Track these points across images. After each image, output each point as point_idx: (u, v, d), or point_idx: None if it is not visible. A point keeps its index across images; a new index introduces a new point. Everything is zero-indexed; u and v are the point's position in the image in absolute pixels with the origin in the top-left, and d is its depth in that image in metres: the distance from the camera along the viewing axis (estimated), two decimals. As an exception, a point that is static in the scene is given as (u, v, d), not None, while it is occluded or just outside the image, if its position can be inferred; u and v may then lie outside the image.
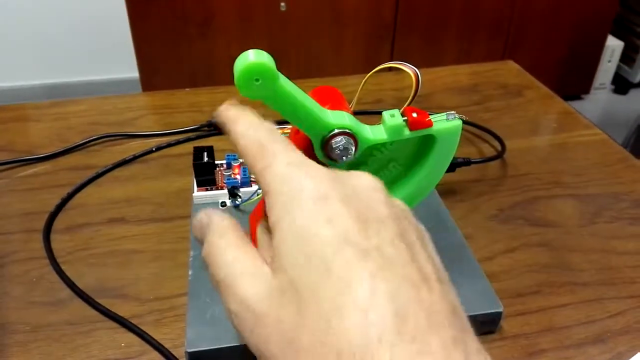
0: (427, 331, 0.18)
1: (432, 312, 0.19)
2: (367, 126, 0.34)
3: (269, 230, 0.23)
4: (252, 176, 0.22)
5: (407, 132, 0.34)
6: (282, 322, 0.20)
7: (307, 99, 0.31)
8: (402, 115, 0.34)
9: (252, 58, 0.28)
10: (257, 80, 0.28)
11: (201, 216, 0.26)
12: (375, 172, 0.36)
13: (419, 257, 0.21)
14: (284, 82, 0.29)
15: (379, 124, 0.35)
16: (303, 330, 0.19)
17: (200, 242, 0.26)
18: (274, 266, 0.21)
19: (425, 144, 0.35)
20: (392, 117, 0.34)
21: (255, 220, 0.41)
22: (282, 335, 0.19)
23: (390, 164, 0.36)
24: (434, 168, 0.36)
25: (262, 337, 0.20)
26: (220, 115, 0.27)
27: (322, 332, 0.18)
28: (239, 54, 0.29)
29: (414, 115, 0.34)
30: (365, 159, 0.35)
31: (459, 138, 0.35)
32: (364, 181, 0.23)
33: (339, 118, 0.33)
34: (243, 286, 0.21)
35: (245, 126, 0.25)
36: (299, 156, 0.23)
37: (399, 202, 0.24)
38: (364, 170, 0.35)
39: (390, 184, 0.37)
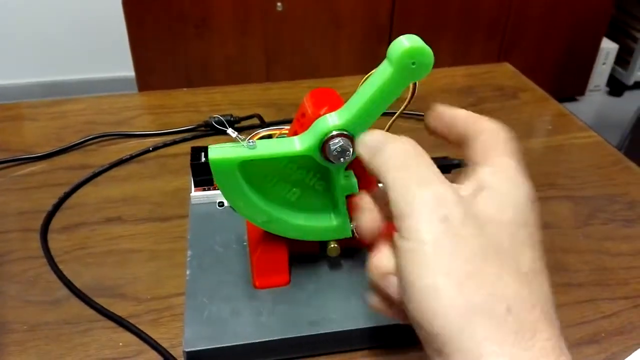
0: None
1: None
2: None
3: None
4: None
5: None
6: (475, 237, 0.23)
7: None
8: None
9: (408, 43, 0.28)
10: (413, 64, 0.29)
11: (373, 135, 0.29)
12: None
13: None
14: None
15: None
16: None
17: (365, 159, 0.28)
18: (484, 206, 0.25)
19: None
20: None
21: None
22: (476, 239, 0.23)
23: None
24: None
25: (451, 231, 0.23)
26: (465, 117, 0.31)
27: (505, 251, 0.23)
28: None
29: None
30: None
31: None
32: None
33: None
34: (441, 185, 0.25)
35: (495, 126, 0.30)
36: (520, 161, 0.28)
37: None
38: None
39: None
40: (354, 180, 0.35)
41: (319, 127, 0.32)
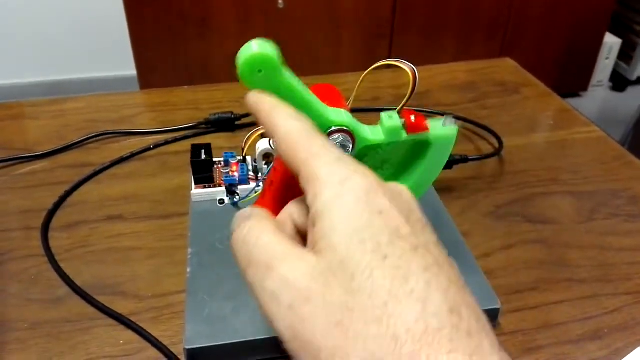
0: (479, 332, 0.19)
1: (479, 315, 0.20)
2: (365, 125, 0.34)
3: (296, 221, 0.25)
4: (289, 166, 0.22)
5: (404, 134, 0.34)
6: (329, 301, 0.20)
7: (309, 94, 0.31)
8: (400, 117, 0.34)
9: (256, 49, 0.27)
10: (260, 71, 0.27)
11: (244, 210, 0.26)
12: None
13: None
14: (288, 75, 0.29)
15: (377, 124, 0.35)
16: (353, 311, 0.19)
17: (231, 231, 0.26)
18: (320, 248, 0.21)
19: (420, 147, 0.36)
20: (390, 119, 0.34)
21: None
22: (328, 314, 0.19)
23: (384, 165, 0.36)
24: (427, 171, 0.36)
25: (304, 316, 0.20)
26: (254, 104, 0.27)
27: (376, 315, 0.19)
28: (237, 52, 0.29)
29: (412, 118, 0.34)
30: (360, 159, 0.36)
31: (453, 144, 0.35)
32: (402, 188, 0.24)
33: (338, 115, 0.33)
34: (285, 266, 0.21)
35: (285, 116, 0.25)
36: (344, 154, 0.24)
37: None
38: None
39: None
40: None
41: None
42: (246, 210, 0.26)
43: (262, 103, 0.26)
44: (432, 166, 0.36)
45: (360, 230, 0.21)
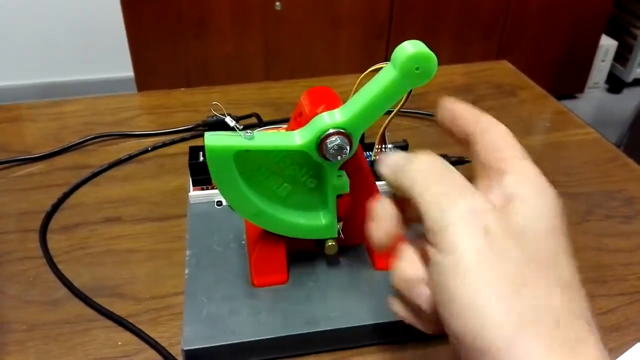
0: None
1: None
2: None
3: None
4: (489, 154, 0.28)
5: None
6: (510, 253, 0.23)
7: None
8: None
9: (412, 49, 0.29)
10: (417, 69, 0.30)
11: (393, 156, 0.28)
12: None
13: None
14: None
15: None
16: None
17: (390, 179, 0.28)
18: (516, 219, 0.24)
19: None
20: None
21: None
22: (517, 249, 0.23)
23: None
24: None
25: (494, 247, 0.23)
26: (453, 110, 0.31)
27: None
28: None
29: None
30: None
31: None
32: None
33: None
34: (480, 198, 0.24)
35: (503, 127, 0.29)
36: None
37: None
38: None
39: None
40: (346, 179, 0.35)
41: (317, 123, 0.33)
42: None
43: (459, 107, 0.30)
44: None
45: (555, 227, 0.24)
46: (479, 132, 0.28)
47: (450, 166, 0.26)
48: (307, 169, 0.35)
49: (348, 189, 0.35)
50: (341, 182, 0.35)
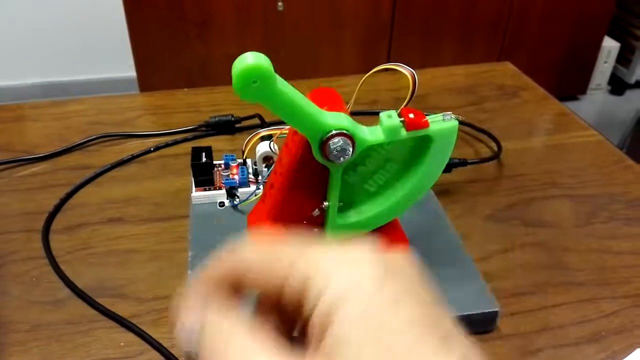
0: None
1: None
2: (364, 127, 0.34)
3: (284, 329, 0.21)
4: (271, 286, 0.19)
5: (404, 132, 0.34)
6: None
7: (305, 101, 0.31)
8: (399, 116, 0.34)
9: (250, 60, 0.28)
10: (254, 82, 0.28)
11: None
12: (373, 172, 0.37)
13: None
14: (282, 84, 0.30)
15: (377, 124, 0.35)
16: None
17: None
18: (332, 356, 0.18)
19: (422, 144, 0.36)
20: (389, 118, 0.34)
21: (255, 219, 0.42)
22: None
23: (388, 164, 0.37)
24: (431, 168, 0.37)
25: None
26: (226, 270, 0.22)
27: None
28: (237, 54, 0.30)
29: (411, 116, 0.34)
30: (362, 159, 0.36)
31: (455, 138, 0.36)
32: (401, 259, 0.21)
33: (337, 119, 0.33)
34: None
35: (245, 252, 0.21)
36: (340, 244, 0.20)
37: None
38: (361, 170, 0.35)
39: (388, 184, 0.37)
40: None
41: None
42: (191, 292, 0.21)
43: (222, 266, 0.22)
44: (435, 161, 0.36)
45: (376, 330, 0.18)
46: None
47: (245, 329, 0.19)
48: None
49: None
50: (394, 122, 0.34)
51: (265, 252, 0.21)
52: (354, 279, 0.19)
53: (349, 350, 0.18)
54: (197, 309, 0.20)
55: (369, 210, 0.38)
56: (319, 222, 0.37)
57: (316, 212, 0.37)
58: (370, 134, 0.34)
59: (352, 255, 0.20)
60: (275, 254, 0.21)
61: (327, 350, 0.18)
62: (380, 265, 0.19)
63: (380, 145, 0.35)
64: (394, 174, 0.37)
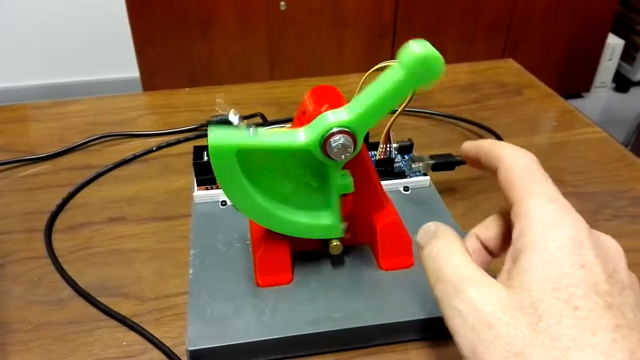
0: None
1: None
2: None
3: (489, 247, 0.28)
4: (505, 195, 0.27)
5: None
6: (512, 333, 0.21)
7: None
8: None
9: (420, 49, 0.29)
10: (424, 70, 0.30)
11: (429, 225, 0.29)
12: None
13: None
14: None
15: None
16: (535, 347, 0.21)
17: (421, 246, 0.28)
18: (513, 284, 0.23)
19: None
20: None
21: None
22: (510, 343, 0.21)
23: None
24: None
25: (485, 338, 0.22)
26: (472, 146, 0.31)
27: (556, 357, 0.20)
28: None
29: None
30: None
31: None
32: (613, 244, 0.25)
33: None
34: (473, 290, 0.23)
35: (511, 149, 0.28)
36: (560, 196, 0.25)
37: (635, 277, 0.25)
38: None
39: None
40: (351, 179, 0.35)
41: (321, 122, 0.32)
42: (430, 226, 0.28)
43: (483, 140, 0.30)
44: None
45: (557, 279, 0.22)
46: (494, 166, 0.28)
47: (457, 250, 0.27)
48: (311, 168, 0.35)
49: (352, 189, 0.35)
50: (345, 181, 0.34)
51: (520, 168, 0.27)
52: (554, 233, 0.23)
53: (530, 281, 0.22)
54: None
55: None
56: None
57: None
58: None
59: (569, 212, 0.24)
60: (524, 176, 0.27)
61: (507, 278, 0.23)
62: (583, 231, 0.23)
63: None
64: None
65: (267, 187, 0.35)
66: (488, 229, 0.29)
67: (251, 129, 0.33)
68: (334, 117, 0.32)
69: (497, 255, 0.30)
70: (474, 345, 0.22)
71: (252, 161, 0.34)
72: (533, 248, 0.23)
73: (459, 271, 0.25)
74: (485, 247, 0.30)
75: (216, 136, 0.32)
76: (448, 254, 0.26)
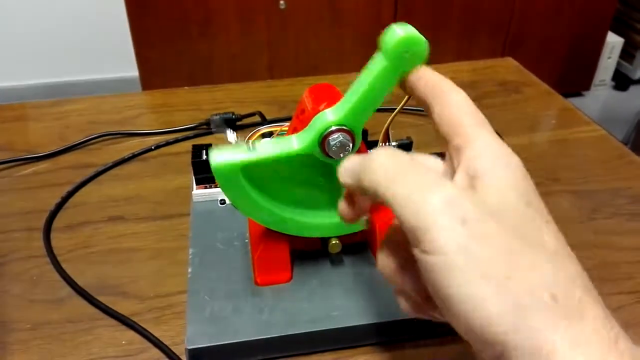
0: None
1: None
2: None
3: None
4: (447, 127, 0.26)
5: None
6: (502, 231, 0.22)
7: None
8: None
9: (401, 32, 0.28)
10: (407, 53, 0.28)
11: (351, 159, 0.27)
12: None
13: None
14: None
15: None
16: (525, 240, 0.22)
17: (353, 185, 0.26)
18: (486, 193, 0.23)
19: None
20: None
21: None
22: (506, 239, 0.22)
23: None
24: None
25: (480, 232, 0.22)
26: (418, 77, 0.29)
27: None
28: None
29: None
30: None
31: None
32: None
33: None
34: (451, 187, 0.23)
35: (454, 87, 0.28)
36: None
37: None
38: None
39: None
40: None
41: (317, 123, 0.32)
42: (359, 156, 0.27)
43: (427, 72, 0.29)
44: None
45: (527, 195, 0.24)
46: (436, 100, 0.28)
47: (413, 157, 0.25)
48: (317, 168, 0.35)
49: None
50: None
51: (467, 103, 0.27)
52: (515, 162, 0.24)
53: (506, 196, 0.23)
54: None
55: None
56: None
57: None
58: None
59: (511, 150, 0.25)
60: (472, 109, 0.27)
61: (471, 173, 0.24)
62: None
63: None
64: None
65: (281, 195, 0.35)
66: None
67: (249, 143, 0.33)
68: (327, 117, 0.32)
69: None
70: (465, 240, 0.22)
71: (259, 174, 0.34)
72: (499, 169, 0.24)
73: (429, 169, 0.25)
74: None
75: (217, 157, 0.32)
76: (407, 155, 0.25)
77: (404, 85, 0.29)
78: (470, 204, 0.22)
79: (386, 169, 0.24)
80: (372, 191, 0.24)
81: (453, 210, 0.22)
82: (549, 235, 0.23)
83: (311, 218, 0.37)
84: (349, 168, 0.26)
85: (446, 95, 0.27)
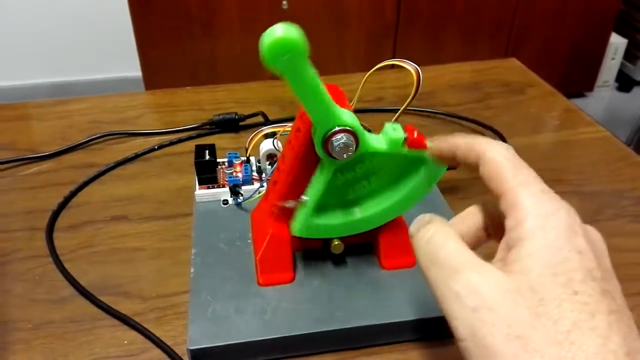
0: None
1: None
2: (369, 133, 0.34)
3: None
4: (490, 188, 0.26)
5: (405, 148, 0.34)
6: (513, 316, 0.22)
7: (324, 89, 0.31)
8: (404, 131, 0.34)
9: (280, 32, 0.27)
10: (284, 55, 0.27)
11: (424, 215, 0.28)
12: (357, 180, 0.36)
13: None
14: (309, 64, 0.29)
15: (379, 133, 0.35)
16: (536, 330, 0.21)
17: (413, 233, 0.28)
18: (513, 269, 0.23)
19: (414, 165, 0.36)
20: (395, 131, 0.34)
21: (258, 217, 0.42)
22: (510, 326, 0.21)
23: (373, 177, 0.36)
24: (415, 189, 0.36)
25: (486, 321, 0.22)
26: (445, 143, 0.30)
27: (558, 340, 0.21)
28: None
29: (415, 134, 0.34)
30: (354, 164, 0.36)
31: (445, 168, 0.35)
32: (598, 236, 0.26)
33: (346, 116, 0.33)
34: (473, 273, 0.23)
35: (491, 142, 0.28)
36: (546, 186, 0.26)
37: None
38: (347, 175, 0.35)
39: (367, 196, 0.37)
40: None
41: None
42: (425, 216, 0.28)
43: (457, 137, 0.30)
44: (420, 184, 0.36)
45: (556, 265, 0.22)
46: (475, 163, 0.28)
47: (451, 237, 0.27)
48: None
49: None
50: (397, 134, 0.34)
51: (505, 160, 0.26)
52: (551, 222, 0.23)
53: (528, 266, 0.22)
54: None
55: (339, 218, 0.37)
56: (288, 216, 0.37)
57: (290, 204, 0.37)
58: (374, 140, 0.34)
59: (560, 203, 0.24)
60: (510, 166, 0.26)
61: (504, 264, 0.24)
62: (576, 221, 0.24)
63: (378, 153, 0.34)
64: (376, 187, 0.37)
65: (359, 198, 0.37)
66: (464, 221, 0.29)
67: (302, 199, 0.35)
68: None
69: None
70: (474, 328, 0.22)
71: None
72: (532, 236, 0.23)
73: (456, 255, 0.25)
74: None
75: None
76: (443, 238, 0.26)
77: (442, 157, 0.31)
78: (488, 288, 0.23)
79: (424, 253, 0.26)
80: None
81: (468, 298, 0.23)
82: (569, 310, 0.22)
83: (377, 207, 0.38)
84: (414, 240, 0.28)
85: (481, 155, 0.27)
